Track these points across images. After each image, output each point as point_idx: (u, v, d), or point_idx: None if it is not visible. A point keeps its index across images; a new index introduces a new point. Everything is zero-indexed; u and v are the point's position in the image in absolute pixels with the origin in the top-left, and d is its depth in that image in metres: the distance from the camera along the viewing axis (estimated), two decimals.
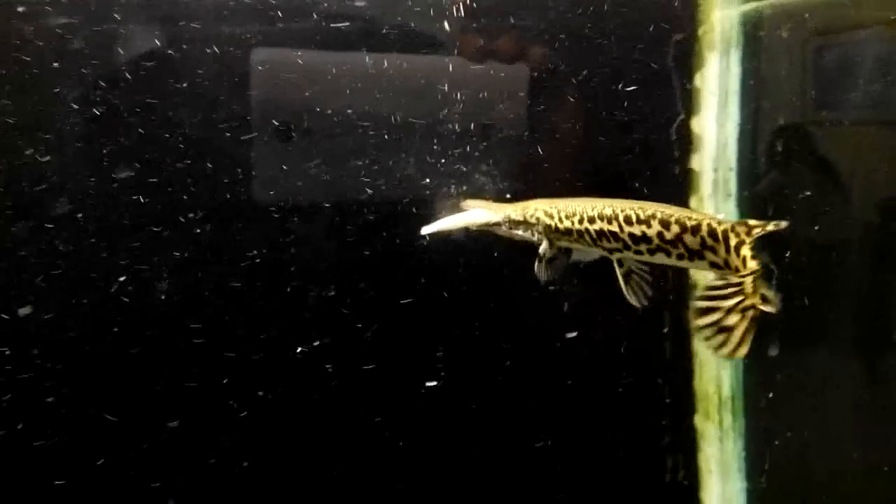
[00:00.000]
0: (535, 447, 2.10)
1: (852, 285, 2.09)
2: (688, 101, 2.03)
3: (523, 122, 1.98)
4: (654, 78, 2.01)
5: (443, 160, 1.95)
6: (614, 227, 1.49)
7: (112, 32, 1.80)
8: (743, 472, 2.19)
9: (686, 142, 2.05)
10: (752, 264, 1.31)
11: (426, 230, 1.75)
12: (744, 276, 1.30)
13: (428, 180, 1.95)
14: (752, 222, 1.34)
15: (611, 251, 1.53)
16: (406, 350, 2.01)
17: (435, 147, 1.94)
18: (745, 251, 1.33)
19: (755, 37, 2.02)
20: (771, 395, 2.17)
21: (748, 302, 1.31)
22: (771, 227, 1.33)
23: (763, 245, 1.36)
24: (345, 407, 2.00)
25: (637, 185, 2.04)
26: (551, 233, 1.62)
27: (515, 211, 1.69)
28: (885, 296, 2.06)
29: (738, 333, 1.31)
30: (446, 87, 1.92)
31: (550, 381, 2.08)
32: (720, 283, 1.34)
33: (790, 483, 2.18)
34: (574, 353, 2.06)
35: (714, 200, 2.06)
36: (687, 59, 2.01)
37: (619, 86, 1.97)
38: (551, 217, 1.61)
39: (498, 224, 1.71)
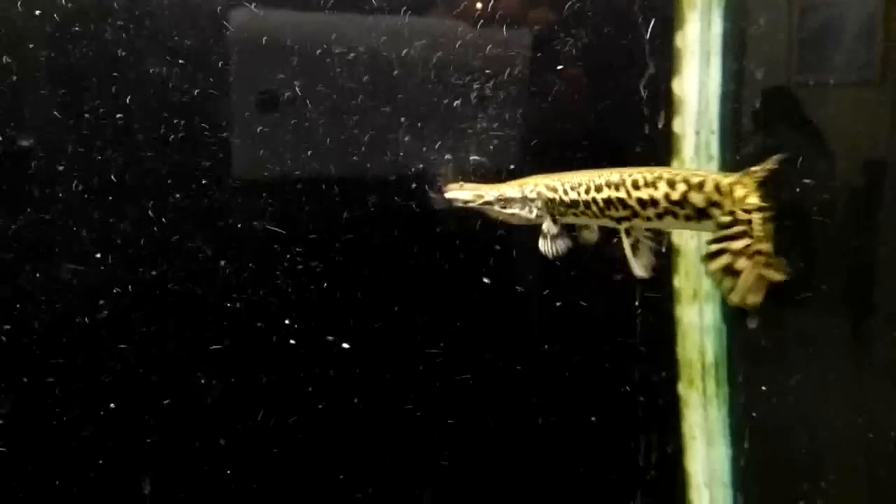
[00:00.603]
0: (516, 418, 2.08)
1: (837, 249, 2.06)
2: (666, 61, 1.98)
3: (524, 88, 1.92)
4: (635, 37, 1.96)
5: (441, 128, 1.89)
6: (622, 194, 1.45)
7: None
8: (727, 439, 2.17)
9: (666, 102, 2.00)
10: (755, 200, 1.30)
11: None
12: (749, 213, 1.29)
13: (425, 149, 1.89)
14: (752, 168, 1.33)
15: (619, 220, 1.49)
16: (400, 329, 1.98)
17: (432, 115, 1.88)
18: (750, 198, 1.32)
19: None
20: (755, 361, 2.15)
21: (756, 246, 1.30)
22: (770, 164, 1.32)
23: None
24: (332, 389, 1.97)
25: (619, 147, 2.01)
26: (554, 207, 1.57)
27: (511, 188, 1.63)
28: (870, 259, 2.04)
29: (746, 278, 1.30)
30: (446, 52, 1.86)
31: (530, 352, 2.05)
32: (728, 221, 1.32)
33: (775, 449, 2.17)
34: (554, 323, 2.03)
35: (696, 163, 2.01)
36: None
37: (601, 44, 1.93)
38: (554, 190, 1.56)
39: (490, 203, 1.65)
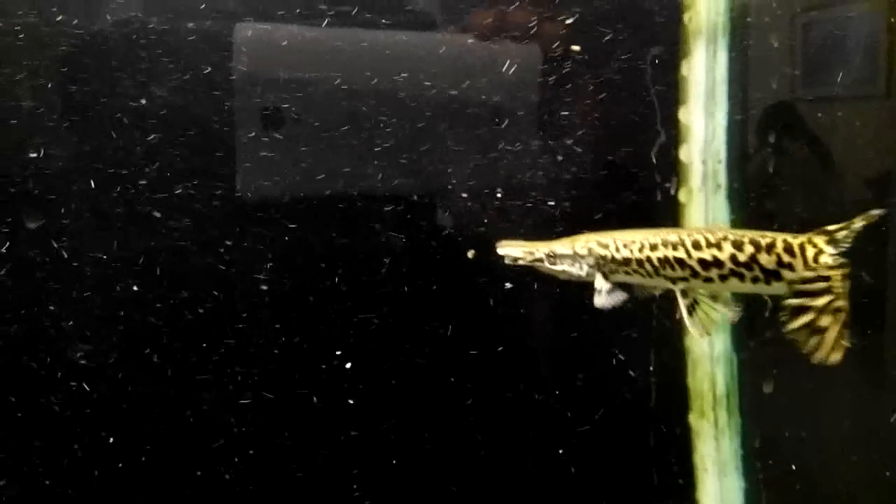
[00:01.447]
0: (526, 448, 2.04)
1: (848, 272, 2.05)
2: (674, 92, 1.97)
3: (534, 104, 1.91)
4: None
5: (451, 146, 1.88)
6: (681, 254, 1.42)
7: None
8: (740, 471, 2.14)
9: (674, 133, 1.99)
10: (830, 259, 1.29)
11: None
12: (832, 270, 1.28)
13: (433, 168, 1.88)
14: (830, 228, 1.31)
15: (675, 280, 1.47)
16: (409, 346, 1.96)
17: (442, 132, 1.87)
18: (824, 258, 1.30)
19: (743, 22, 1.96)
20: (767, 391, 2.12)
21: (838, 303, 1.27)
22: (858, 224, 1.29)
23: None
24: (335, 406, 1.95)
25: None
26: (605, 264, 1.55)
27: (562, 245, 1.61)
28: (880, 278, 2.02)
29: (831, 336, 1.27)
30: (454, 67, 1.85)
31: (539, 381, 2.02)
32: (810, 276, 1.30)
33: (788, 481, 2.14)
34: (565, 353, 2.01)
35: (704, 193, 2.00)
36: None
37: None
38: (606, 247, 1.54)
39: (540, 260, 1.63)
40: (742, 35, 1.98)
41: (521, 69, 1.89)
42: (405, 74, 1.85)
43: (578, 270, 1.59)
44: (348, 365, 1.93)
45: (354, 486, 1.99)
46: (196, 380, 1.88)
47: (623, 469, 2.13)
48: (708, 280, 1.41)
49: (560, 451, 2.05)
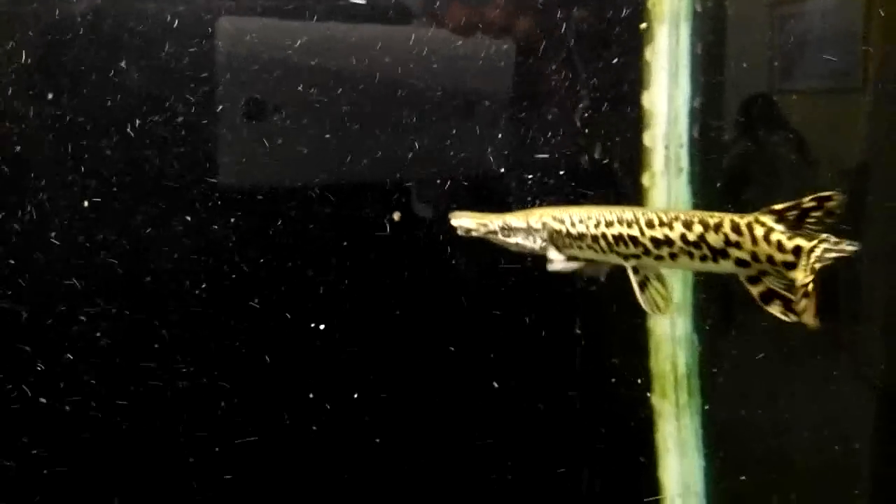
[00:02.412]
0: (488, 433, 2.07)
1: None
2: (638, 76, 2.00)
3: (509, 96, 1.93)
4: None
5: (427, 137, 1.89)
6: (634, 231, 1.45)
7: None
8: (700, 450, 2.18)
9: (637, 117, 2.01)
10: (798, 242, 1.29)
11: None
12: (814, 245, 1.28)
13: (411, 158, 1.90)
14: (776, 207, 1.32)
15: (626, 257, 1.50)
16: (390, 336, 1.99)
17: (418, 123, 1.89)
18: (777, 235, 1.31)
19: (704, 8, 1.99)
20: (727, 372, 2.17)
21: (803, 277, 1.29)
22: (808, 202, 1.30)
23: None
24: (319, 398, 1.97)
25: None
26: (560, 238, 1.57)
27: (516, 218, 1.64)
28: (848, 266, 2.06)
29: (801, 307, 1.29)
30: (430, 60, 1.86)
31: (504, 365, 2.05)
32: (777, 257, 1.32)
33: (748, 459, 2.18)
34: (526, 336, 2.03)
35: (666, 177, 2.03)
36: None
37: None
38: (561, 222, 1.56)
39: (494, 232, 1.65)
40: (705, 21, 2.01)
41: (493, 60, 1.91)
42: (384, 65, 1.86)
43: (532, 244, 1.61)
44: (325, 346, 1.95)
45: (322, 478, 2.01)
46: (177, 373, 1.90)
47: (586, 450, 2.16)
48: (659, 258, 1.45)
49: (523, 434, 2.08)
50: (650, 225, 1.44)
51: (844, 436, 2.15)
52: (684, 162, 2.02)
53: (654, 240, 1.44)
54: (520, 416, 2.08)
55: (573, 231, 1.54)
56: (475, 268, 1.99)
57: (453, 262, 2.00)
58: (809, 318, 1.28)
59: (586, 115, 1.97)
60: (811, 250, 1.29)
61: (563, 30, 1.92)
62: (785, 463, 2.19)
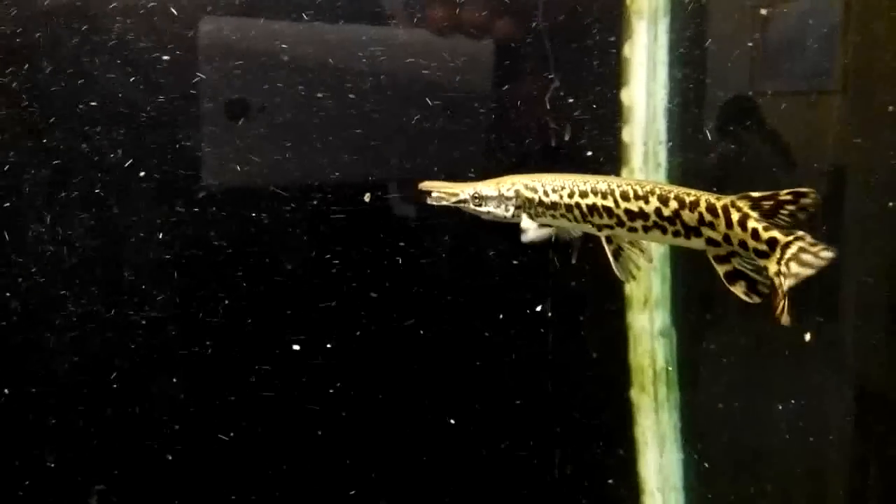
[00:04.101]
0: (472, 424, 2.08)
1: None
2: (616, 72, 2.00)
3: (488, 96, 1.94)
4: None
5: (405, 136, 1.90)
6: (609, 203, 1.46)
7: None
8: (678, 444, 2.20)
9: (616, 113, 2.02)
10: (774, 234, 1.31)
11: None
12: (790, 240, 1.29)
13: (391, 157, 1.91)
14: (754, 194, 1.34)
15: (600, 227, 1.50)
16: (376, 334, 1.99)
17: (396, 123, 1.90)
18: (753, 223, 1.33)
19: (682, 5, 2.00)
20: (706, 366, 2.18)
21: (777, 268, 1.31)
22: (784, 195, 1.32)
23: None
24: (306, 395, 1.98)
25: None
26: (532, 207, 1.57)
27: (487, 186, 1.62)
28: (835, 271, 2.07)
29: (777, 300, 1.32)
30: (410, 61, 1.87)
31: (482, 360, 2.06)
32: (752, 244, 1.33)
33: (726, 453, 2.20)
34: (505, 329, 2.04)
35: (645, 173, 2.04)
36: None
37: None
38: (534, 191, 1.56)
39: (465, 201, 1.64)
40: (683, 19, 2.02)
41: (473, 59, 1.92)
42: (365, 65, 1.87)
43: (504, 212, 1.60)
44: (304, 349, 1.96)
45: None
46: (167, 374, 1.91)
47: (564, 444, 2.18)
48: (632, 230, 1.45)
49: (501, 429, 2.09)
50: (625, 197, 1.44)
51: (822, 430, 2.17)
52: (663, 158, 2.03)
53: (628, 212, 1.44)
54: (498, 411, 2.09)
55: (546, 200, 1.54)
56: (453, 262, 2.00)
57: (432, 255, 2.01)
58: (786, 318, 1.30)
59: (565, 114, 1.98)
60: (786, 245, 1.31)
61: (541, 26, 1.93)
62: (763, 457, 2.21)
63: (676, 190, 1.41)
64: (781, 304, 1.30)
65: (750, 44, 2.03)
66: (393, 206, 1.97)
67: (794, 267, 1.28)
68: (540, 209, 1.56)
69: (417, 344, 2.02)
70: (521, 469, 2.14)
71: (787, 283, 1.28)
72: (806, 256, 1.28)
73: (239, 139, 1.84)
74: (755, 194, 1.35)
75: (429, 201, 1.67)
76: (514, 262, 2.02)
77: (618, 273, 1.54)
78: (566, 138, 1.96)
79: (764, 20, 2.02)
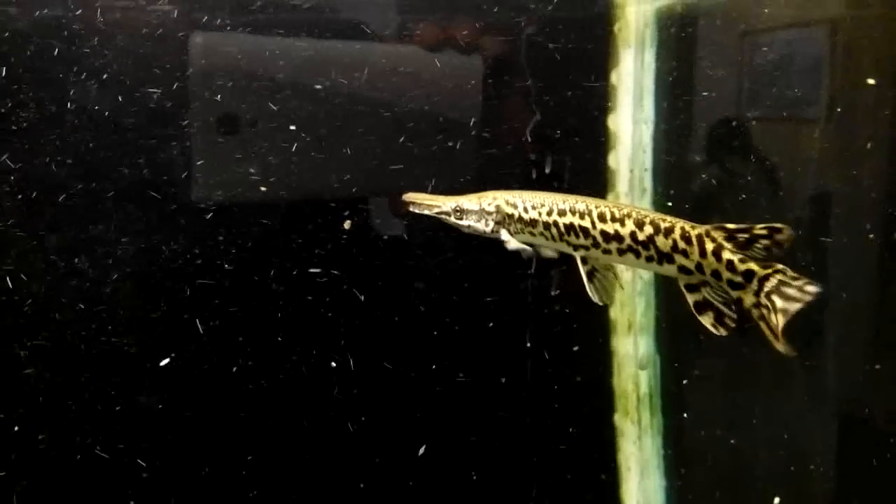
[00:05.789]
0: (455, 448, 2.07)
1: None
2: (604, 99, 2.02)
3: (477, 113, 1.95)
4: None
5: (395, 152, 1.90)
6: (586, 223, 1.47)
7: None
8: (661, 470, 2.20)
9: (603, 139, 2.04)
10: (751, 266, 1.33)
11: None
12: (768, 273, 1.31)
13: (381, 173, 1.91)
14: (729, 226, 1.36)
15: (576, 248, 1.51)
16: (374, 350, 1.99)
17: (387, 139, 1.90)
18: (729, 255, 1.34)
19: (669, 34, 2.02)
20: (688, 392, 2.18)
21: (753, 300, 1.33)
22: (759, 229, 1.34)
23: None
24: (300, 411, 1.97)
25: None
26: (511, 223, 1.58)
27: (469, 201, 1.64)
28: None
29: (766, 331, 1.33)
30: (400, 76, 1.88)
31: (471, 380, 2.05)
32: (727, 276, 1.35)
33: (708, 479, 2.20)
34: (490, 354, 2.04)
35: (630, 198, 2.05)
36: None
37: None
38: (514, 207, 1.57)
39: (447, 213, 1.65)
40: (670, 47, 2.04)
41: (463, 79, 1.93)
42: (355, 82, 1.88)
43: (484, 227, 1.61)
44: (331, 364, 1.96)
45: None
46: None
47: (547, 469, 2.17)
48: (607, 252, 1.46)
49: (483, 453, 2.09)
50: (602, 218, 1.45)
51: (805, 457, 2.17)
52: (648, 184, 2.05)
53: (604, 234, 1.45)
54: (480, 436, 2.08)
55: (525, 217, 1.55)
56: (441, 279, 2.00)
57: (417, 275, 2.01)
58: (786, 348, 1.32)
59: (551, 135, 1.99)
60: (765, 277, 1.32)
61: (529, 51, 1.95)
62: (746, 483, 2.21)
63: (653, 215, 1.42)
64: (773, 336, 1.32)
65: (737, 70, 2.06)
66: (378, 225, 1.97)
67: (779, 303, 1.30)
68: (519, 225, 1.57)
69: (393, 368, 2.01)
70: (502, 493, 2.12)
71: (780, 321, 1.29)
72: (790, 291, 1.30)
73: (228, 154, 1.83)
74: (730, 226, 1.37)
75: (411, 209, 1.68)
76: (496, 287, 2.02)
77: (591, 295, 1.54)
78: (547, 170, 1.98)
79: (750, 49, 2.05)
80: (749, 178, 2.09)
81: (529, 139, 1.98)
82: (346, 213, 1.92)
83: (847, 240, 2.09)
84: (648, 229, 1.40)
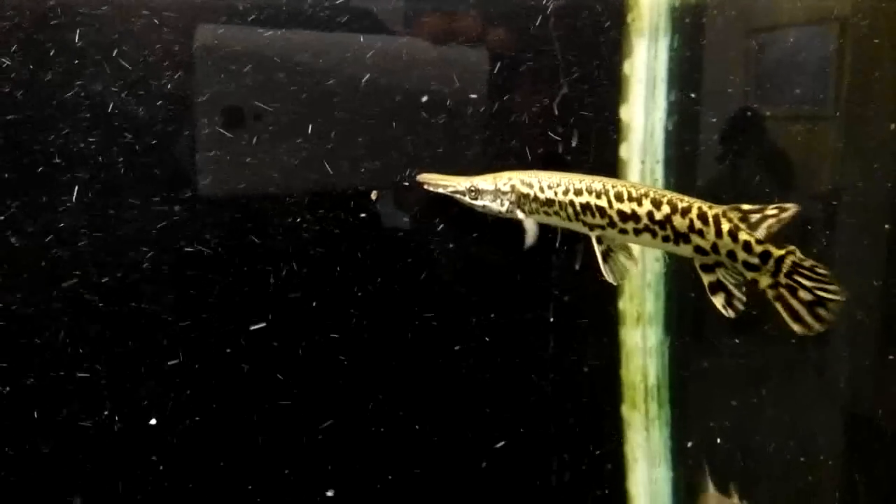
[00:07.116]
0: (462, 440, 2.08)
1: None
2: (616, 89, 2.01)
3: (484, 105, 1.94)
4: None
5: (403, 144, 1.89)
6: (603, 202, 1.46)
7: None
8: (668, 461, 2.20)
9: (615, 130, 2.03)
10: (768, 248, 1.36)
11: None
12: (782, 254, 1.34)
13: (388, 166, 1.89)
14: (744, 206, 1.37)
15: (592, 227, 1.50)
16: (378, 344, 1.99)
17: (394, 132, 1.89)
18: (745, 236, 1.36)
19: (683, 25, 2.02)
20: (697, 384, 2.19)
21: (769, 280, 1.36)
22: (770, 210, 1.37)
23: None
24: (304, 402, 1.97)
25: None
26: (527, 203, 1.57)
27: (484, 180, 1.64)
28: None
29: (785, 313, 1.38)
30: (405, 69, 1.87)
31: (478, 372, 2.05)
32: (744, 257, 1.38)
33: (716, 471, 2.20)
34: (499, 343, 2.04)
35: None
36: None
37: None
38: (530, 186, 1.57)
39: (462, 193, 1.65)
40: (683, 38, 2.04)
41: (470, 71, 1.93)
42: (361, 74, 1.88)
43: (499, 206, 1.61)
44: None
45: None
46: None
47: (553, 459, 2.17)
48: (623, 232, 1.47)
49: (490, 444, 2.09)
50: (619, 198, 1.45)
51: (811, 448, 2.18)
52: (660, 175, 2.04)
53: (621, 213, 1.45)
54: (487, 426, 2.08)
55: (541, 196, 1.55)
56: (449, 271, 2.00)
57: (428, 266, 2.00)
58: (803, 329, 1.37)
59: (564, 125, 1.98)
60: (780, 258, 1.33)
61: (542, 40, 1.94)
62: (752, 475, 2.21)
63: (670, 195, 1.43)
64: (791, 316, 1.34)
65: (749, 64, 2.05)
66: (388, 215, 1.97)
67: (804, 281, 1.34)
68: (535, 205, 1.57)
69: (409, 354, 2.02)
70: (509, 484, 2.13)
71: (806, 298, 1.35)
72: (805, 272, 1.35)
73: (234, 147, 1.83)
74: (745, 206, 1.38)
75: (426, 188, 1.69)
76: (510, 274, 2.02)
77: (606, 274, 1.55)
78: (574, 144, 1.97)
79: (763, 42, 2.04)
80: (760, 171, 2.09)
81: (544, 125, 1.97)
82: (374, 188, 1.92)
83: (856, 235, 2.09)
84: (665, 209, 1.41)
